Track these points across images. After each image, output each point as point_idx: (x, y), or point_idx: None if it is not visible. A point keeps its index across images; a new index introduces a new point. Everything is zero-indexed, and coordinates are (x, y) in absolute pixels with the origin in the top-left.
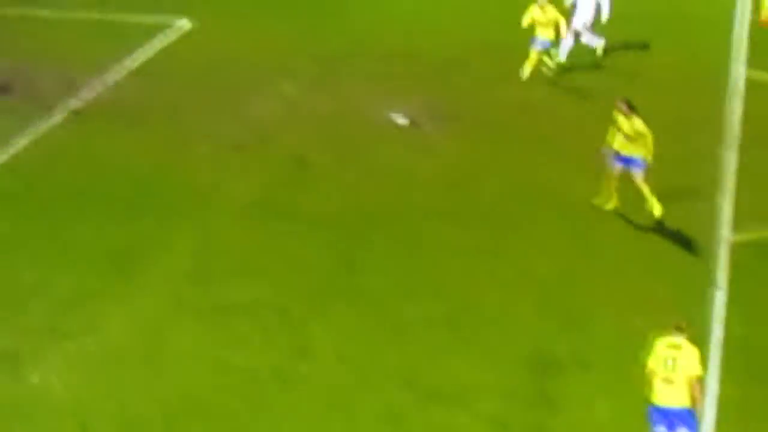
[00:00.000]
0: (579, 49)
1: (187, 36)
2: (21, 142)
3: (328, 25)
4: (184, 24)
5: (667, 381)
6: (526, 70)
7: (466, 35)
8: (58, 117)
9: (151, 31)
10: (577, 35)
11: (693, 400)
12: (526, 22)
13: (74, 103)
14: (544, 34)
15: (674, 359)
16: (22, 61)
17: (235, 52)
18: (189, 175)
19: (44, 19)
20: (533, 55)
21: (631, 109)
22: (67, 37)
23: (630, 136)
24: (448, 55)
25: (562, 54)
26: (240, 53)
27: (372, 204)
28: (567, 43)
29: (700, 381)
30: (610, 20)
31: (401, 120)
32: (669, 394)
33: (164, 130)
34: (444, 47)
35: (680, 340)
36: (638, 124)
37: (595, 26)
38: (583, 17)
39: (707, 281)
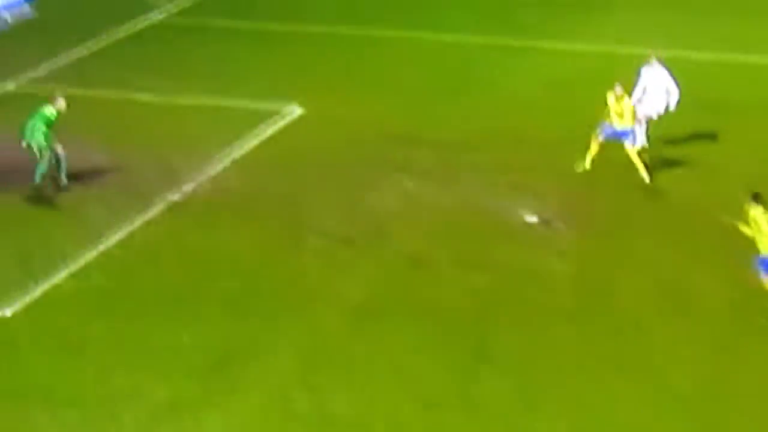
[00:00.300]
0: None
1: (297, 123)
2: (114, 236)
3: (446, 109)
4: (294, 110)
5: None
6: (587, 160)
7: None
8: (155, 209)
9: (259, 118)
10: (646, 122)
11: None
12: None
13: (173, 195)
14: (616, 123)
15: None
16: (119, 148)
17: (347, 141)
18: (296, 271)
19: (145, 104)
20: (595, 143)
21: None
22: (168, 123)
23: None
24: (559, 136)
25: (637, 142)
26: (352, 141)
27: (492, 305)
28: (640, 130)
29: None
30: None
31: (530, 217)
32: None
33: (271, 222)
34: (562, 128)
35: None
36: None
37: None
38: (652, 104)
39: None
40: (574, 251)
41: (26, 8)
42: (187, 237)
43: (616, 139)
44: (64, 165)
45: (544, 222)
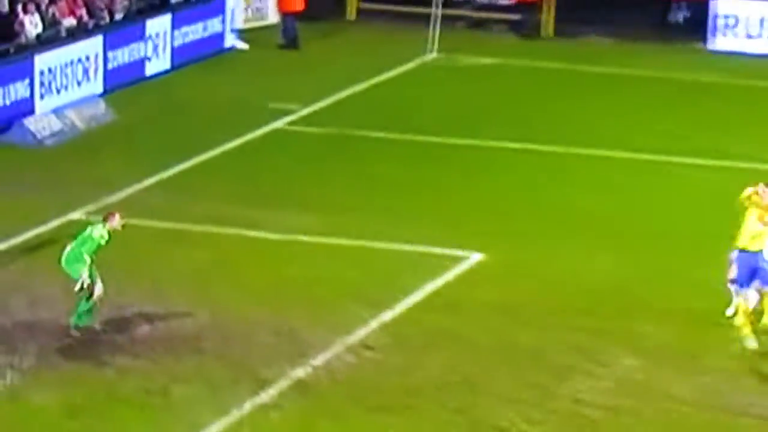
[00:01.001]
0: None
1: (472, 272)
2: (217, 425)
3: (680, 263)
4: (476, 258)
5: None
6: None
7: None
8: (272, 390)
9: (419, 263)
10: None
11: None
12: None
13: (298, 370)
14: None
15: None
16: (224, 302)
17: (537, 298)
18: None
19: (265, 241)
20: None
21: None
22: (295, 269)
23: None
24: None
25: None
26: (544, 299)
27: None
28: None
29: None
30: None
31: None
32: None
33: (430, 413)
34: None
35: None
36: None
37: None
38: None
39: None
40: None
41: (101, 106)
42: (315, 430)
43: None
44: (84, 307)
45: None
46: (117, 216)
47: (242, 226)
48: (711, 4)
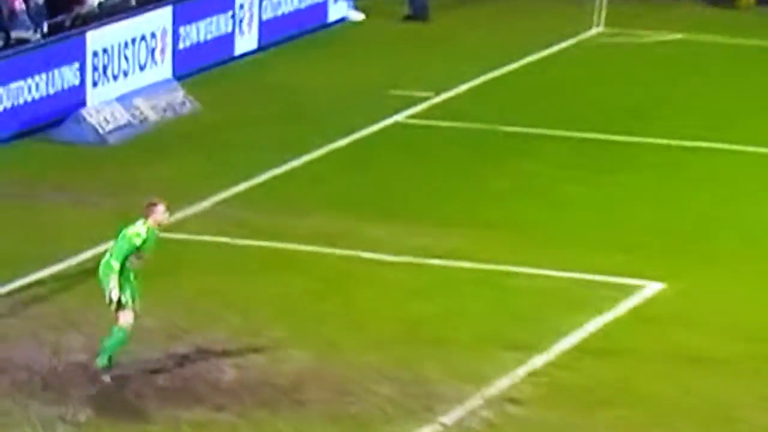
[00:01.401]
0: None
1: (652, 307)
2: None
3: None
4: (655, 288)
5: None
6: None
7: None
8: None
9: (595, 301)
10: None
11: None
12: None
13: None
14: None
15: None
16: (333, 351)
17: (736, 339)
18: None
19: (383, 266)
20: None
21: None
22: (415, 304)
23: None
24: None
25: None
26: (745, 341)
27: None
28: None
29: None
30: None
31: None
32: None
33: None
34: None
35: None
36: None
37: None
38: None
39: None
40: None
41: (178, 94)
42: None
43: None
44: (114, 341)
45: None
46: (161, 207)
47: (356, 247)
48: None
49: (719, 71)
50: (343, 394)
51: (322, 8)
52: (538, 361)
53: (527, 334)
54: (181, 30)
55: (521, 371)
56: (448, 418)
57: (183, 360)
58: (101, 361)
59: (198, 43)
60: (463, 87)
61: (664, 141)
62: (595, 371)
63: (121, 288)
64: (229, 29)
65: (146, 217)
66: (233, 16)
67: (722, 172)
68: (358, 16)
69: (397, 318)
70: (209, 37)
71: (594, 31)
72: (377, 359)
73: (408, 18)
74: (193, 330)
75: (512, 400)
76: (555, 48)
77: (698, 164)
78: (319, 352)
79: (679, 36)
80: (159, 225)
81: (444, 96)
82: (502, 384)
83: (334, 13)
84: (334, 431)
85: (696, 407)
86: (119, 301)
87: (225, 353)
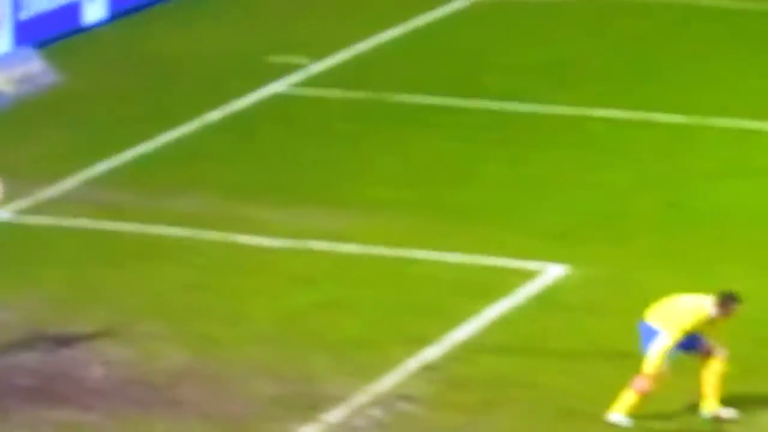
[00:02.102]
0: None
1: (557, 294)
2: None
3: None
4: (556, 272)
5: None
6: None
7: None
8: None
9: (494, 287)
10: None
11: None
12: None
13: None
14: None
15: None
16: (210, 347)
17: None
18: None
19: (265, 251)
20: None
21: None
22: (300, 293)
23: None
24: None
25: None
26: None
27: None
28: None
29: None
30: None
31: None
32: None
33: None
34: None
35: None
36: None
37: None
38: None
39: None
40: None
41: (37, 64)
42: None
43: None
44: None
45: None
46: None
47: (234, 231)
48: None
49: (637, 33)
50: (221, 393)
51: None
52: (432, 354)
53: (421, 325)
54: None
55: (414, 365)
56: (334, 417)
57: (45, 356)
58: None
59: (43, 13)
60: (349, 52)
61: (572, 110)
62: (493, 366)
63: None
64: None
65: None
66: None
67: (637, 143)
68: None
69: (279, 309)
70: (55, 5)
71: None
72: (258, 354)
73: None
74: (56, 323)
75: (404, 397)
76: (451, 6)
77: (607, 135)
78: (195, 347)
79: None
80: None
81: (326, 62)
82: (393, 380)
83: None
84: None
85: (606, 404)
86: None
87: (92, 349)
